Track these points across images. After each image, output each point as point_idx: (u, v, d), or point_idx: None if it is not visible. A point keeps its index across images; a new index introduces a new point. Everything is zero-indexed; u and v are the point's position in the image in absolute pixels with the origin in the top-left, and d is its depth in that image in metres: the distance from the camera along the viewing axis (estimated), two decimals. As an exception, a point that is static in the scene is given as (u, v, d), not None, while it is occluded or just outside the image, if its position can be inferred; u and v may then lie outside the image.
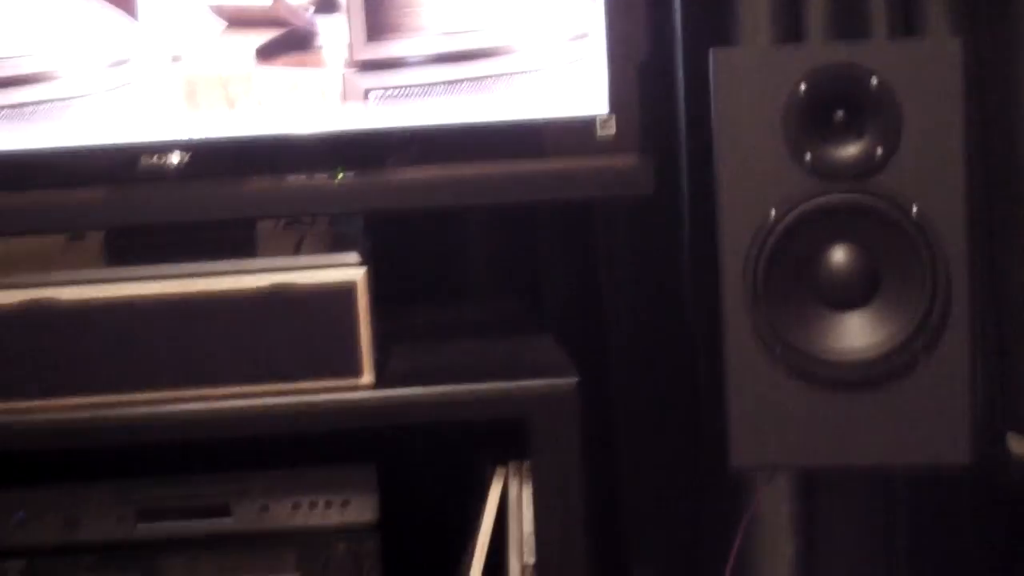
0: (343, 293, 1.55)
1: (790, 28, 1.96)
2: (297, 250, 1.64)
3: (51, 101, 1.63)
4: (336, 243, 1.66)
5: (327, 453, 1.64)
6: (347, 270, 1.56)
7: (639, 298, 2.02)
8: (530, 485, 1.59)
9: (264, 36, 1.64)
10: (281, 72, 1.64)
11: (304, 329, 1.56)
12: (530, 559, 1.60)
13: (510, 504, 1.61)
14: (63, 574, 1.61)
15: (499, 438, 1.62)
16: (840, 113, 1.59)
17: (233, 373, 1.56)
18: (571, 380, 1.57)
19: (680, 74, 2.00)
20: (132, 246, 1.68)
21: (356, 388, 1.56)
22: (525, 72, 1.67)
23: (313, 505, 1.62)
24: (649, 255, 2.02)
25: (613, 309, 2.02)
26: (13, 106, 1.62)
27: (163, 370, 1.56)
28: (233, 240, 1.68)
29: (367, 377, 1.56)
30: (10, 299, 1.54)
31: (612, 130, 1.68)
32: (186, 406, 1.55)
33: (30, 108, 1.63)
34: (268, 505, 1.62)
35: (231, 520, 1.62)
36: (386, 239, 1.74)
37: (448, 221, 1.99)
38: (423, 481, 1.74)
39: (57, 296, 1.55)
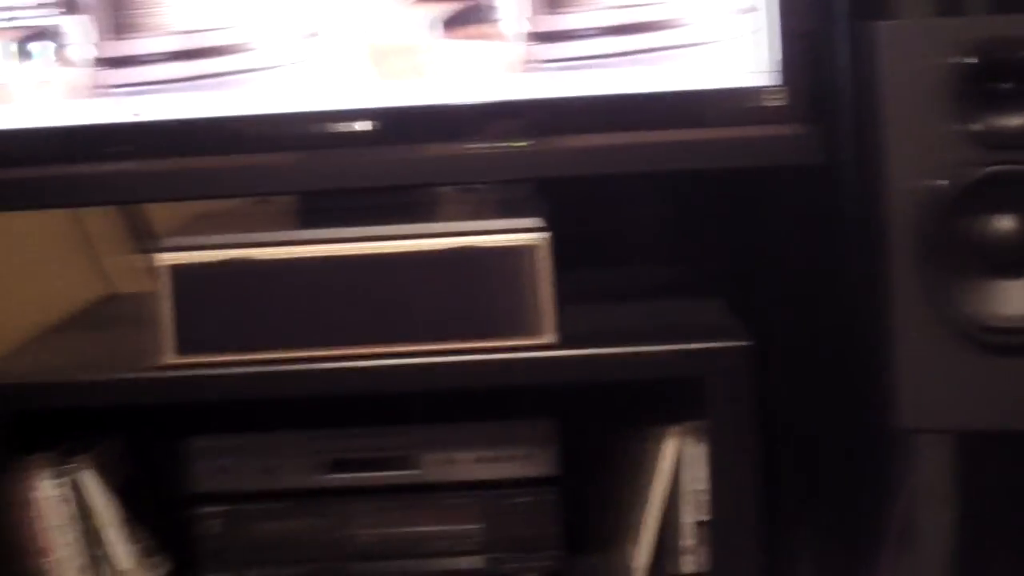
0: (527, 255, 1.62)
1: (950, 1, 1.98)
2: (476, 214, 1.71)
3: (247, 71, 1.71)
4: (512, 208, 1.73)
5: (508, 408, 1.70)
6: (530, 234, 1.63)
7: (801, 264, 2.06)
8: (703, 445, 1.65)
9: (449, 9, 1.70)
10: (464, 43, 1.71)
11: (489, 290, 1.63)
12: (703, 516, 1.66)
13: (683, 463, 1.67)
14: (260, 518, 1.70)
15: (672, 398, 1.68)
16: (1007, 85, 1.62)
17: (421, 330, 1.63)
18: (746, 343, 1.62)
19: (842, 44, 2.03)
20: (320, 208, 1.76)
21: (539, 347, 1.62)
22: (696, 44, 1.72)
23: (496, 458, 1.69)
24: (811, 222, 2.06)
25: (776, 274, 2.07)
26: (212, 75, 1.71)
27: (354, 326, 1.64)
28: (415, 204, 1.75)
29: (549, 336, 1.63)
30: (211, 257, 1.63)
31: (782, 100, 1.73)
32: (376, 361, 1.63)
33: (227, 77, 1.71)
34: (453, 457, 1.69)
35: (418, 471, 1.70)
36: (558, 204, 1.79)
37: (615, 187, 2.04)
38: (599, 437, 1.80)
39: (254, 255, 1.63)
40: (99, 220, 2.15)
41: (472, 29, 1.70)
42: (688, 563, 1.68)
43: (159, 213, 2.10)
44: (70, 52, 1.71)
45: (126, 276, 2.16)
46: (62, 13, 1.71)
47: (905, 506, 1.84)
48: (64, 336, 1.89)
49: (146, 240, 2.12)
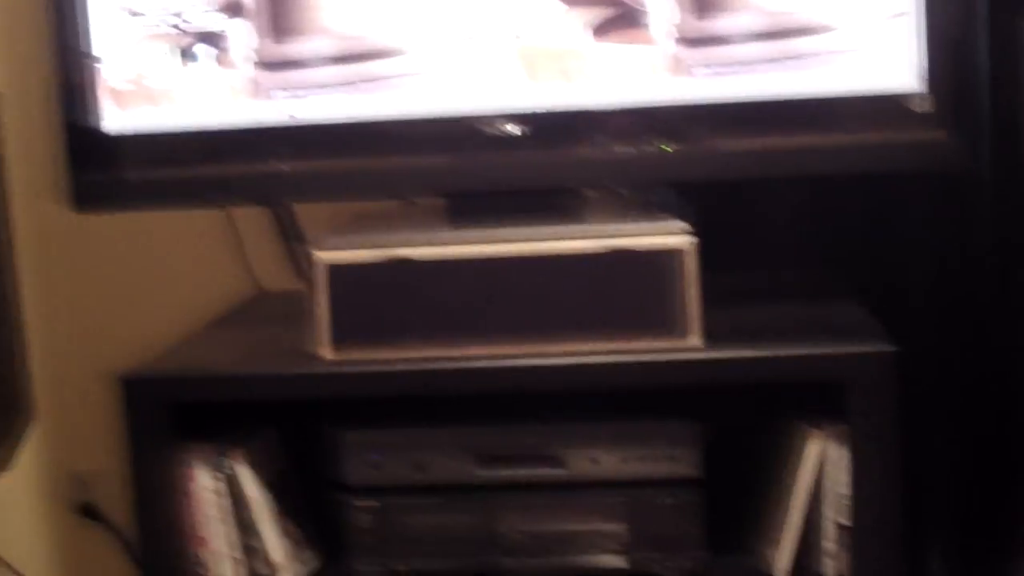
0: (674, 258, 1.65)
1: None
2: (623, 216, 1.74)
3: (401, 75, 1.75)
4: (658, 210, 1.75)
5: (650, 408, 1.73)
6: (677, 236, 1.65)
7: (938, 270, 2.06)
8: (845, 448, 1.66)
9: (600, 13, 1.73)
10: (613, 47, 1.74)
11: (636, 290, 1.66)
12: (845, 520, 1.67)
13: (826, 466, 1.68)
14: (410, 512, 1.74)
15: (812, 400, 1.70)
16: None
17: (569, 329, 1.66)
18: (890, 348, 1.63)
19: (984, 50, 2.02)
20: (467, 209, 1.80)
21: (684, 348, 1.65)
22: (844, 49, 1.73)
23: (641, 458, 1.71)
24: (948, 227, 2.06)
25: (912, 279, 2.07)
26: (367, 78, 1.75)
27: (505, 325, 1.67)
28: (562, 205, 1.79)
29: (695, 338, 1.65)
30: (368, 256, 1.67)
31: (929, 107, 1.73)
32: (525, 360, 1.66)
33: (382, 81, 1.76)
34: (598, 456, 1.72)
35: (564, 469, 1.73)
36: (701, 206, 1.82)
37: (755, 189, 2.06)
38: (741, 438, 1.82)
39: (410, 254, 1.67)
40: (249, 219, 2.21)
41: (622, 33, 1.73)
42: (829, 566, 1.69)
43: (307, 213, 2.17)
44: (233, 55, 1.77)
45: (273, 274, 2.22)
46: (226, 18, 1.76)
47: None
48: (219, 331, 1.95)
49: (294, 239, 2.18)
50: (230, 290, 2.19)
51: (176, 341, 1.87)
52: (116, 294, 2.27)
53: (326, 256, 1.68)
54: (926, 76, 1.73)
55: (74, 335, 2.27)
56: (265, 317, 2.05)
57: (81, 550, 2.36)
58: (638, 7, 1.73)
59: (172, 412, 1.70)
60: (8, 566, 2.29)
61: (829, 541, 1.69)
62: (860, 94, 1.74)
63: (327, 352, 1.68)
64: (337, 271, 1.67)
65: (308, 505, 1.84)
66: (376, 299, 1.68)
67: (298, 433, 1.85)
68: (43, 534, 2.35)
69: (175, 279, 2.25)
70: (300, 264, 2.19)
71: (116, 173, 1.81)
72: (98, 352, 2.22)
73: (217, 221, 2.22)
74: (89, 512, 2.35)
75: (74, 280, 2.27)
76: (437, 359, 1.67)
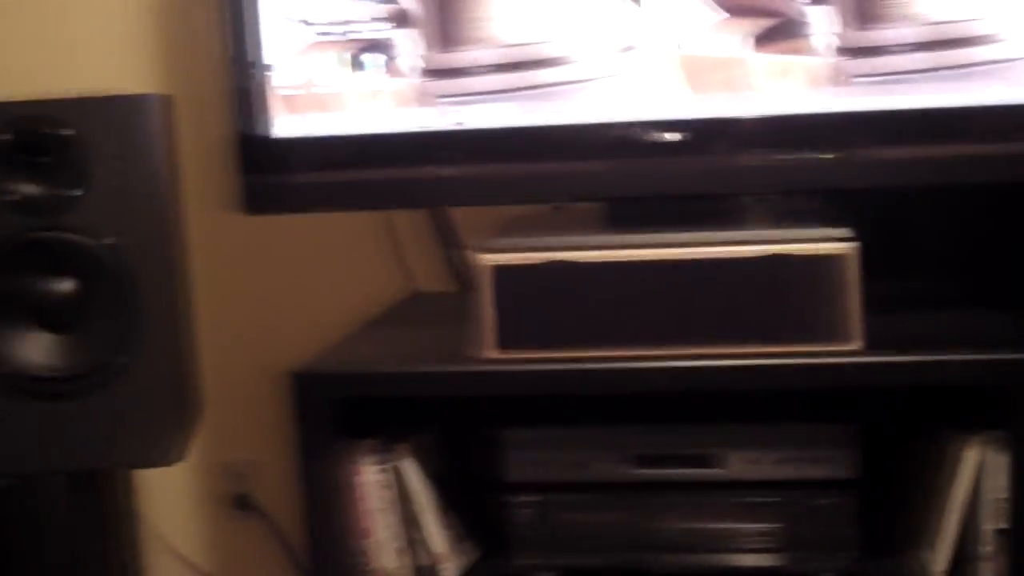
0: (836, 264, 1.67)
1: None
2: (784, 222, 1.77)
3: (565, 83, 1.80)
4: (818, 217, 1.78)
5: (807, 412, 1.76)
6: (839, 243, 1.68)
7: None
8: (1004, 454, 1.68)
9: (761, 24, 1.76)
10: (774, 58, 1.77)
11: (798, 296, 1.68)
12: (1002, 524, 1.69)
13: (984, 471, 1.70)
14: (568, 509, 1.79)
15: (971, 406, 1.71)
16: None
17: (730, 333, 1.70)
18: (1052, 353, 1.65)
19: None
20: (627, 214, 1.84)
21: (846, 353, 1.67)
22: (1002, 60, 1.75)
23: (798, 459, 1.74)
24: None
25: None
26: (531, 87, 1.80)
27: (665, 327, 1.71)
28: (721, 211, 1.82)
29: (856, 343, 1.68)
30: (531, 258, 1.72)
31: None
32: (683, 362, 1.70)
33: (546, 89, 1.80)
34: (756, 457, 1.75)
35: (720, 469, 1.76)
36: (859, 213, 1.84)
37: (910, 198, 2.08)
38: (898, 442, 1.84)
39: (572, 257, 1.72)
40: (407, 221, 2.27)
41: (783, 44, 1.76)
42: (986, 570, 1.71)
43: (463, 216, 2.22)
44: (400, 63, 1.82)
45: (429, 276, 2.28)
46: (394, 27, 1.82)
47: None
48: (378, 331, 2.00)
49: (450, 242, 2.24)
50: (386, 291, 2.25)
51: (338, 339, 1.93)
52: (279, 293, 2.34)
53: (490, 258, 1.73)
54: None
55: (237, 333, 2.35)
56: (421, 318, 2.10)
57: (236, 540, 2.44)
58: (800, 17, 1.76)
59: (340, 407, 1.76)
60: (174, 552, 2.37)
61: (986, 545, 1.70)
62: (1018, 103, 1.75)
63: (492, 351, 1.73)
64: (502, 272, 1.72)
65: (469, 501, 1.89)
66: (538, 301, 1.72)
67: (461, 431, 1.90)
68: (201, 523, 2.43)
69: (334, 280, 2.32)
70: (455, 267, 2.25)
71: (284, 177, 1.88)
72: (257, 348, 2.31)
73: (375, 224, 2.28)
74: (243, 503, 2.42)
75: (238, 281, 2.36)
76: (597, 359, 1.71)
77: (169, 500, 2.41)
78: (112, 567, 1.94)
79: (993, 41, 1.74)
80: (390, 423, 1.85)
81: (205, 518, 2.45)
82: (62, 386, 1.74)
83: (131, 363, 1.74)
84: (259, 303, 2.35)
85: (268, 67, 1.86)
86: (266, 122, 1.87)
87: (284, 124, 1.86)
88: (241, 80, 1.87)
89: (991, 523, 1.70)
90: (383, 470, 1.80)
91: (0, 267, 1.72)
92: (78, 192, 1.72)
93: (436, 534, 1.83)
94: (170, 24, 2.28)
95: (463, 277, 2.23)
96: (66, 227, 1.72)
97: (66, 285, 1.74)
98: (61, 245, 1.72)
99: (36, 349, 1.75)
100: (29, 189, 1.73)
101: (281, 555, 2.38)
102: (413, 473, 1.82)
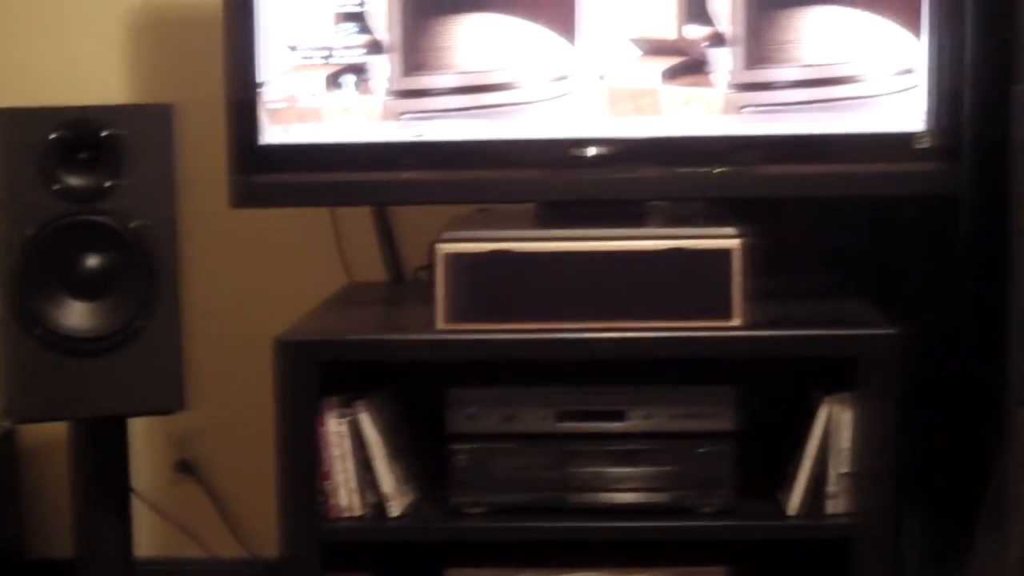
0: (724, 257, 2.08)
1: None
2: (680, 222, 2.17)
3: (509, 104, 2.19)
4: (709, 219, 2.18)
5: (698, 376, 2.16)
6: (727, 240, 2.09)
7: (929, 273, 2.48)
8: (850, 411, 2.10)
9: (670, 62, 2.17)
10: (680, 89, 2.18)
11: (693, 282, 2.09)
12: (846, 469, 2.10)
13: (833, 425, 2.12)
14: (500, 456, 2.16)
15: (827, 373, 2.13)
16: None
17: (638, 311, 2.10)
18: (892, 330, 2.07)
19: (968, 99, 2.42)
20: (555, 214, 2.23)
21: (730, 328, 2.08)
22: (864, 96, 2.17)
23: (688, 416, 2.14)
24: (937, 241, 2.47)
25: (909, 281, 2.50)
26: (482, 107, 2.20)
27: (585, 306, 2.11)
28: (633, 213, 2.22)
29: (738, 320, 2.08)
30: (480, 248, 2.11)
31: (927, 143, 2.17)
32: (600, 335, 2.10)
33: (494, 109, 2.20)
34: (654, 412, 2.15)
35: (625, 423, 2.16)
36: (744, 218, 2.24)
37: (790, 207, 2.49)
38: (767, 403, 2.24)
39: (514, 248, 2.11)
40: (350, 218, 2.62)
41: (688, 78, 2.17)
42: (834, 506, 2.12)
43: (407, 215, 2.59)
44: (371, 84, 2.20)
45: (363, 267, 2.64)
46: (367, 53, 2.20)
47: (999, 481, 2.19)
48: (335, 310, 2.36)
49: (388, 238, 2.60)
50: (328, 279, 2.57)
51: (304, 316, 2.27)
52: (249, 276, 2.70)
53: (446, 247, 2.11)
54: (927, 120, 2.16)
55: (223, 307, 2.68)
56: (366, 300, 2.48)
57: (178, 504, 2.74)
58: (702, 57, 2.17)
59: (316, 368, 2.12)
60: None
61: (834, 486, 2.11)
62: (874, 132, 2.18)
63: (443, 324, 2.11)
64: (454, 259, 2.10)
65: (416, 449, 2.26)
66: (483, 283, 2.11)
67: (412, 391, 2.28)
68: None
69: (287, 267, 2.67)
70: (389, 260, 2.63)
71: (269, 177, 2.24)
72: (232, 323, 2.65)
73: (325, 219, 2.62)
74: (185, 468, 2.74)
75: (225, 266, 2.69)
76: (529, 331, 2.10)
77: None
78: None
79: (857, 81, 2.17)
80: (352, 384, 2.21)
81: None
82: (91, 345, 2.11)
83: (147, 326, 2.11)
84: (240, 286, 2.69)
85: (260, 84, 2.22)
86: (256, 131, 2.23)
87: (271, 133, 2.23)
88: (239, 95, 2.22)
89: (838, 468, 2.11)
90: (343, 422, 2.15)
91: (46, 245, 2.09)
92: (111, 183, 2.09)
93: (386, 477, 2.18)
94: (171, 41, 2.64)
95: (396, 269, 2.61)
96: (101, 212, 2.09)
97: (98, 261, 2.11)
98: (96, 227, 2.09)
99: (72, 314, 2.12)
100: (72, 180, 2.10)
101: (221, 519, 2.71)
102: (368, 425, 2.17)
